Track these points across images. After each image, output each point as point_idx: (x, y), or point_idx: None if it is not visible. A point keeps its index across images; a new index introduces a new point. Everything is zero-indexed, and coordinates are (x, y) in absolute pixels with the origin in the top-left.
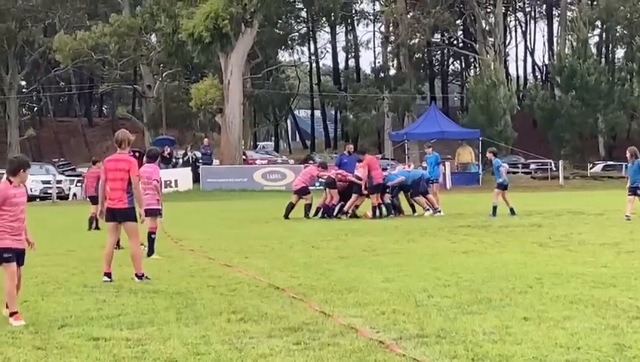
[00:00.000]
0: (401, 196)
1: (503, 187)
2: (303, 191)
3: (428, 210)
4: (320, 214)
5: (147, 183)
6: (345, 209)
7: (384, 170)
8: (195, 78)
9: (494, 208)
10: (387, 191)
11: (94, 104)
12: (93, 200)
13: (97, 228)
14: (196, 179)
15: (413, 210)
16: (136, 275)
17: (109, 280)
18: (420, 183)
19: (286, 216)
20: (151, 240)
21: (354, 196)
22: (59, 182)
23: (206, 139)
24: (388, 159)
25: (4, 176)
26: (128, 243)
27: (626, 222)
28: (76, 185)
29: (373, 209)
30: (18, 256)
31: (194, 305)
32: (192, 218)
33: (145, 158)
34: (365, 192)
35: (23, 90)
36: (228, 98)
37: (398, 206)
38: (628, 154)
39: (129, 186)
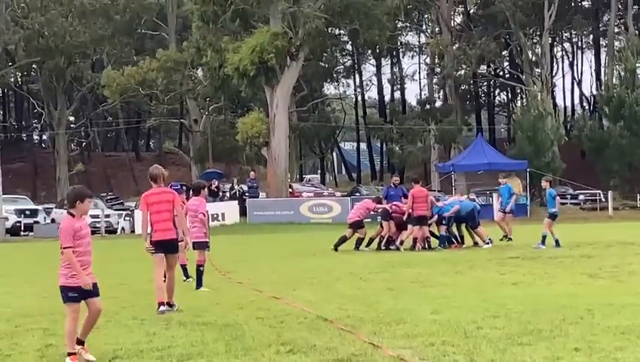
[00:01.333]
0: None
1: (554, 217)
2: (357, 225)
3: (488, 243)
4: (376, 246)
5: (194, 216)
6: (400, 240)
7: (437, 200)
8: (241, 111)
9: (544, 238)
10: (443, 222)
11: (141, 138)
12: None
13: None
14: (243, 212)
15: (462, 241)
16: (168, 304)
17: (166, 308)
18: (474, 215)
19: (336, 248)
20: (199, 273)
21: (409, 227)
22: (107, 216)
23: (252, 173)
24: (435, 191)
25: (66, 211)
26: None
27: None
28: (124, 219)
29: (414, 240)
30: (87, 293)
31: (243, 337)
32: (239, 251)
33: (192, 192)
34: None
35: (72, 125)
36: (274, 131)
37: (456, 236)
38: None
39: (174, 217)
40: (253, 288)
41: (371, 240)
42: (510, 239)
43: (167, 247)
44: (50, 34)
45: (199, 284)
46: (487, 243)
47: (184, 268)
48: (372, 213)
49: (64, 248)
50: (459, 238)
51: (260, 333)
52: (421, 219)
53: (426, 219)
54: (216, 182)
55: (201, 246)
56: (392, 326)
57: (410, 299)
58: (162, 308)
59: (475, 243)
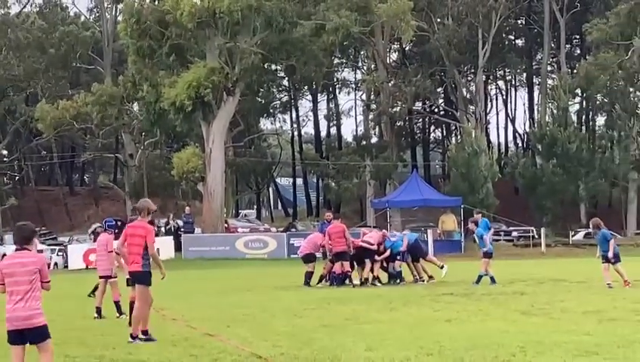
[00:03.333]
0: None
1: (489, 256)
2: (308, 258)
3: (423, 280)
4: (329, 282)
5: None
6: (363, 276)
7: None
8: (177, 146)
9: (479, 277)
10: (397, 258)
11: (76, 173)
12: None
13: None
14: (178, 247)
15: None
16: (131, 335)
17: (145, 337)
18: (419, 246)
19: (308, 284)
20: (133, 310)
21: (368, 263)
22: (40, 251)
23: (187, 208)
24: (370, 227)
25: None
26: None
27: (608, 290)
28: (57, 255)
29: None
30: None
31: None
32: (174, 287)
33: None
34: (377, 258)
35: (5, 159)
36: (210, 166)
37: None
38: (591, 226)
39: (145, 251)
40: (187, 325)
41: (322, 277)
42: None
43: (133, 279)
44: None
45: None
46: (423, 281)
47: (117, 304)
48: (321, 248)
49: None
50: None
51: None
52: (339, 255)
53: (344, 255)
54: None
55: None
56: None
57: (345, 336)
58: (144, 336)
59: (416, 280)
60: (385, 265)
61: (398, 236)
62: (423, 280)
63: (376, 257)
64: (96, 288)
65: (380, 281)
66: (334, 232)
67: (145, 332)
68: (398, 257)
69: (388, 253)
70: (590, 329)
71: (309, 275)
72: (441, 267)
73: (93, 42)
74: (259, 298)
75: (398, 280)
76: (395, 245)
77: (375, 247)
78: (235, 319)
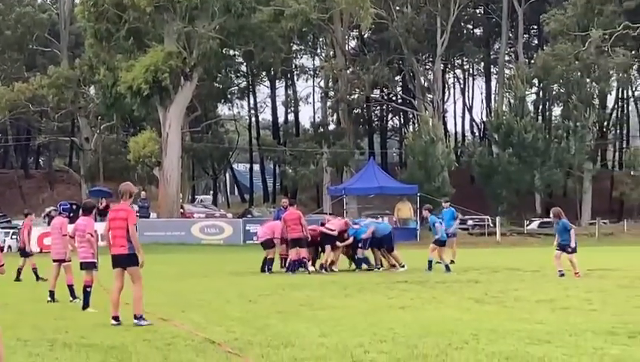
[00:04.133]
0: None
1: (440, 243)
2: (268, 244)
3: (403, 266)
4: (286, 269)
5: (81, 236)
6: (323, 263)
7: (355, 223)
8: (134, 130)
9: (429, 262)
10: (359, 245)
11: (31, 156)
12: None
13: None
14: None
15: (381, 264)
16: (135, 316)
17: (116, 323)
18: (391, 238)
19: (268, 271)
20: (86, 294)
21: (328, 248)
22: None
23: (143, 193)
24: (326, 214)
25: None
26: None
27: (561, 279)
28: (11, 238)
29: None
30: None
31: (129, 359)
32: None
33: (80, 211)
34: (340, 244)
35: None
36: (166, 151)
37: (367, 259)
38: (551, 216)
39: (128, 234)
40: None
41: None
42: (453, 262)
43: (120, 262)
44: None
45: (86, 305)
46: (403, 267)
47: (71, 288)
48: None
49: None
50: (371, 262)
51: (147, 356)
52: (295, 241)
53: (300, 241)
54: (105, 201)
55: (88, 266)
56: (279, 349)
57: (299, 322)
58: (113, 321)
59: (393, 266)
60: (351, 252)
61: (366, 223)
62: (382, 266)
63: (338, 243)
64: (19, 272)
65: (334, 268)
66: (290, 219)
67: (116, 318)
68: (360, 245)
69: (351, 240)
70: (543, 318)
71: (269, 262)
72: (402, 266)
73: (49, 24)
74: (213, 283)
75: (366, 266)
76: (358, 232)
77: (336, 233)
78: (190, 304)
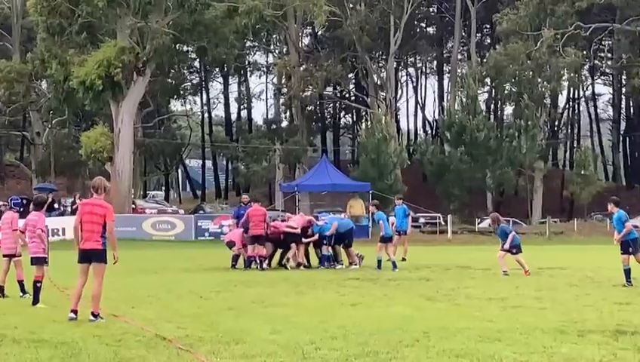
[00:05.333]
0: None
1: (385, 240)
2: (230, 245)
3: (356, 265)
4: (245, 264)
5: (32, 231)
6: (289, 258)
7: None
8: (86, 125)
9: (379, 262)
10: (324, 242)
11: None
12: None
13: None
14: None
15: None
16: (92, 313)
17: (74, 316)
18: (352, 234)
19: (233, 266)
20: (36, 289)
21: (293, 246)
22: None
23: None
24: (278, 210)
25: None
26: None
27: (512, 278)
28: None
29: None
30: None
31: (79, 355)
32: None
33: (31, 206)
34: (304, 241)
35: None
36: (118, 146)
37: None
38: (490, 221)
39: (103, 230)
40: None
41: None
42: (404, 259)
43: (89, 256)
44: None
45: (36, 301)
46: (356, 265)
47: (21, 283)
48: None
49: None
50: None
51: (97, 352)
52: (256, 238)
53: (261, 238)
54: (50, 197)
55: (39, 261)
56: (230, 345)
57: (251, 319)
58: (72, 315)
59: (351, 263)
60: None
61: (329, 218)
62: (357, 264)
63: (303, 240)
64: None
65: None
66: (255, 215)
67: (75, 312)
68: (325, 241)
69: (316, 236)
70: (493, 316)
71: (234, 258)
72: (355, 264)
73: (1, 18)
74: (164, 280)
75: (333, 264)
76: (323, 229)
77: (299, 231)
78: (140, 300)
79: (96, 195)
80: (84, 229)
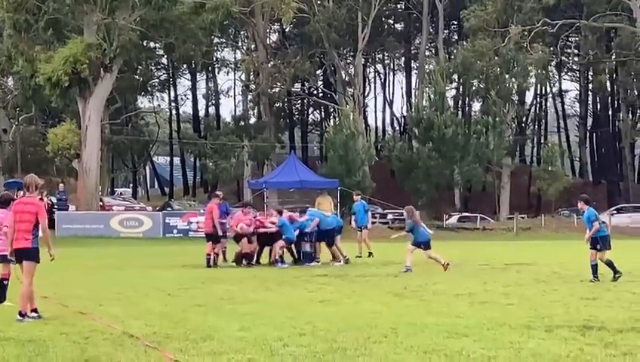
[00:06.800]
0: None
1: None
2: (212, 237)
3: (340, 262)
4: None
5: None
6: (274, 257)
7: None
8: (53, 122)
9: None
10: (305, 239)
11: None
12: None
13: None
14: (51, 225)
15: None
16: (19, 313)
17: (36, 315)
18: (334, 232)
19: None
20: (3, 287)
21: (277, 245)
22: None
23: (61, 185)
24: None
25: None
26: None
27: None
28: None
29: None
30: None
31: (46, 353)
32: (46, 264)
33: None
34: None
35: None
36: (85, 143)
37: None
38: (405, 213)
39: (35, 228)
40: (58, 302)
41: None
42: (359, 256)
43: (19, 255)
44: None
45: (2, 298)
46: (339, 262)
47: None
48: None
49: None
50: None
51: (64, 349)
52: (209, 235)
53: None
54: (22, 193)
55: (5, 259)
56: (198, 343)
57: (219, 316)
58: (33, 314)
59: (333, 260)
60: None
61: (310, 212)
62: (340, 261)
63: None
64: None
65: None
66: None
67: (35, 310)
68: (306, 238)
69: (297, 232)
70: (461, 312)
71: (248, 256)
72: (339, 261)
73: None
74: (132, 277)
75: (313, 262)
76: (304, 225)
77: (275, 229)
78: (108, 298)
79: (28, 193)
80: (16, 229)
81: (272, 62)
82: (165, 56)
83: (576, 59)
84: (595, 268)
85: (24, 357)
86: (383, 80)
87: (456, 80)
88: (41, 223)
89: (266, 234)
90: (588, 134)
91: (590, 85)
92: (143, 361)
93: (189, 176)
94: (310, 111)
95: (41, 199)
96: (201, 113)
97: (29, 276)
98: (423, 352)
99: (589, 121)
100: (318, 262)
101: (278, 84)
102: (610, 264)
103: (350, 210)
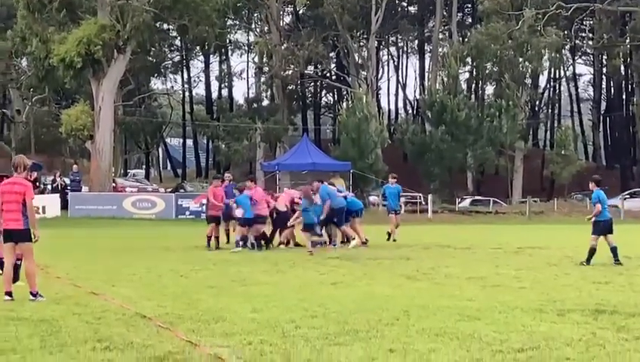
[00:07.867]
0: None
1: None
2: (213, 219)
3: (349, 242)
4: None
5: None
6: (282, 240)
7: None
8: (66, 103)
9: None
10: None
11: None
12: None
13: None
14: (64, 205)
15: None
16: (31, 293)
17: (9, 298)
18: (342, 213)
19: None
20: (16, 267)
21: (289, 229)
22: None
23: (75, 166)
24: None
25: None
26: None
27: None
28: None
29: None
30: None
31: (59, 332)
32: (59, 245)
33: None
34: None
35: None
36: (99, 124)
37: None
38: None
39: (24, 208)
40: (71, 283)
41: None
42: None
43: (12, 236)
44: None
45: (16, 278)
46: (348, 243)
47: (0, 261)
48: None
49: None
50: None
51: (77, 329)
52: (212, 218)
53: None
54: (35, 174)
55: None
56: (210, 324)
57: (231, 298)
58: (7, 297)
59: (343, 241)
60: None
61: (321, 190)
62: (355, 240)
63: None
64: None
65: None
66: (219, 195)
67: (9, 294)
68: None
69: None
70: (473, 295)
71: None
72: (348, 242)
73: None
74: (145, 258)
75: (325, 243)
76: (316, 210)
77: (285, 209)
78: (121, 278)
79: (16, 174)
80: (5, 210)
81: (285, 45)
82: (179, 37)
83: (590, 42)
84: (592, 252)
85: (37, 337)
86: (396, 63)
87: (470, 63)
88: (27, 204)
89: (280, 216)
90: (601, 118)
91: (604, 69)
92: (155, 342)
93: (202, 158)
94: (323, 93)
95: (54, 180)
96: (214, 95)
97: (29, 256)
98: (434, 335)
99: (603, 104)
100: (334, 245)
101: (292, 66)
102: (591, 252)
103: (381, 193)
